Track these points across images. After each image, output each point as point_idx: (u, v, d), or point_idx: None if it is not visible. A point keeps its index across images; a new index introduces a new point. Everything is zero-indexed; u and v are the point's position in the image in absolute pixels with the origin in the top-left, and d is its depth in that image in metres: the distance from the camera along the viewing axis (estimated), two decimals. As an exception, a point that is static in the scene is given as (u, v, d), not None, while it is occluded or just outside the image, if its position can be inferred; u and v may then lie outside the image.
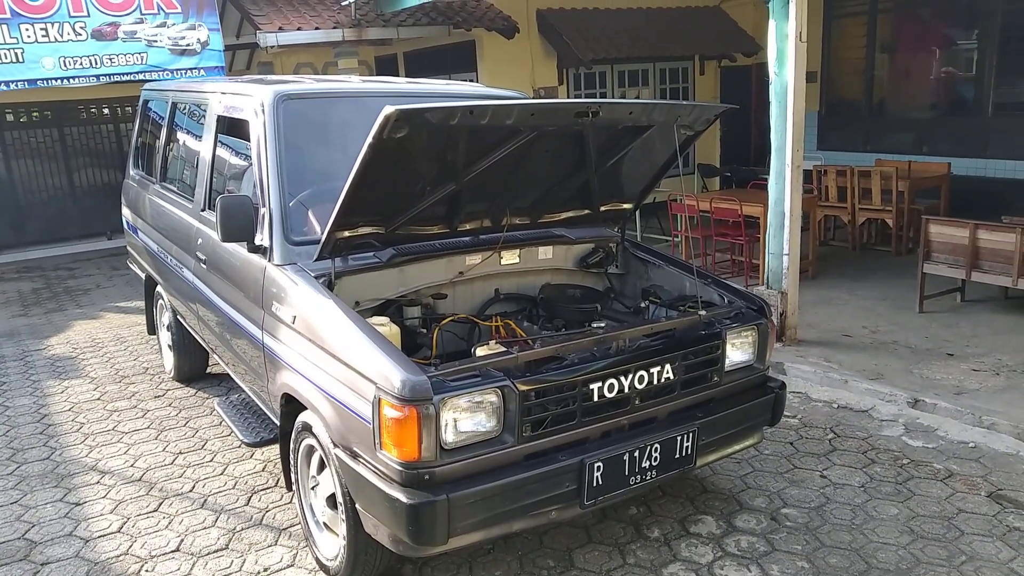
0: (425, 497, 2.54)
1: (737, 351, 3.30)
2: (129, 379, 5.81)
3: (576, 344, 2.94)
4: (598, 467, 2.85)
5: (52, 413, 5.21)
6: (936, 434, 4.36)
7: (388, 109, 2.56)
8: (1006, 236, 5.70)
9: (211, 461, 4.39)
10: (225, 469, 4.28)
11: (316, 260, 3.19)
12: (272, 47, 9.21)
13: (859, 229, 8.47)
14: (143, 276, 5.92)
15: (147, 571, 3.38)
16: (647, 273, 3.95)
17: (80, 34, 8.76)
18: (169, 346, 5.60)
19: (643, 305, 3.76)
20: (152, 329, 5.98)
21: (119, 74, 9.06)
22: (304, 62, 12.00)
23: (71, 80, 8.88)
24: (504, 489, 2.68)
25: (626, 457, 2.92)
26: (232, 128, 4.12)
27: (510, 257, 3.70)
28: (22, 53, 8.53)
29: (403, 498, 2.54)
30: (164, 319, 5.63)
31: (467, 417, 2.63)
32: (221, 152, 4.25)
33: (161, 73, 9.10)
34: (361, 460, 2.75)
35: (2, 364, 6.30)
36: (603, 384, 2.88)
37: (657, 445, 2.99)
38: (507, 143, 3.08)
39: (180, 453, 4.51)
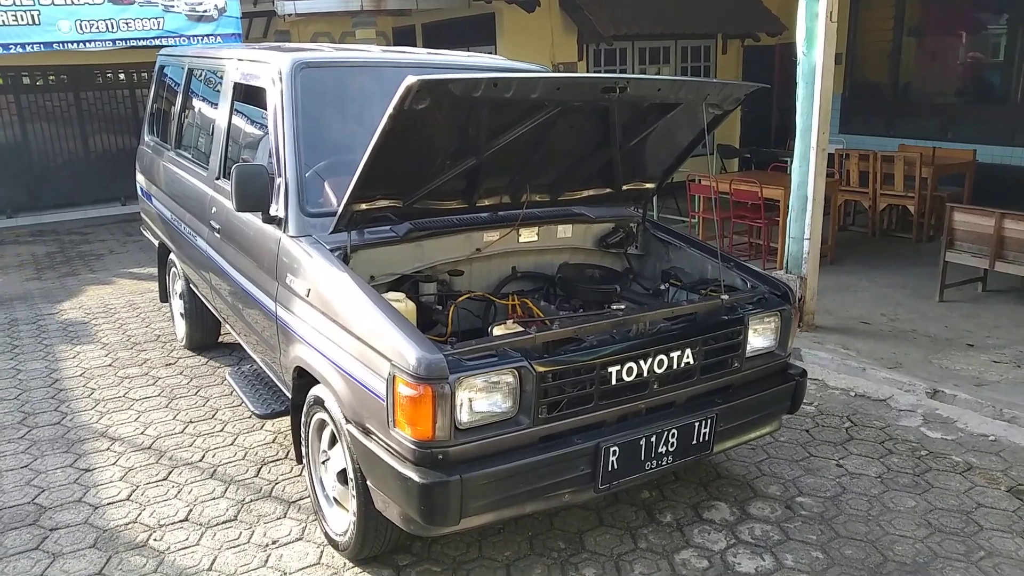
0: (438, 477, 2.50)
1: (759, 337, 3.24)
2: (141, 346, 5.80)
3: (595, 326, 2.88)
4: (614, 451, 2.80)
5: (63, 378, 5.21)
6: (955, 426, 4.29)
7: (410, 79, 2.48)
8: (1033, 226, 5.59)
9: (221, 431, 4.37)
10: (235, 439, 4.26)
11: (332, 232, 3.14)
12: (290, 15, 9.11)
13: (880, 215, 8.34)
14: (156, 243, 5.89)
15: (155, 540, 3.37)
16: (668, 255, 3.88)
17: (97, -3, 8.67)
18: (181, 314, 5.58)
19: (663, 287, 3.70)
20: (164, 297, 5.95)
21: (135, 39, 8.98)
22: (321, 31, 11.88)
23: (87, 44, 8.80)
24: (518, 471, 2.64)
25: (642, 442, 2.87)
26: (248, 96, 4.06)
27: (528, 235, 3.64)
28: (38, 15, 8.45)
29: (415, 477, 2.51)
30: (177, 287, 5.61)
31: (483, 397, 2.58)
32: (237, 120, 4.19)
33: (177, 39, 9.01)
34: (373, 437, 2.71)
35: (15, 328, 6.30)
36: (621, 367, 2.82)
37: (674, 431, 2.94)
38: (530, 118, 2.99)
39: (190, 422, 4.49)
